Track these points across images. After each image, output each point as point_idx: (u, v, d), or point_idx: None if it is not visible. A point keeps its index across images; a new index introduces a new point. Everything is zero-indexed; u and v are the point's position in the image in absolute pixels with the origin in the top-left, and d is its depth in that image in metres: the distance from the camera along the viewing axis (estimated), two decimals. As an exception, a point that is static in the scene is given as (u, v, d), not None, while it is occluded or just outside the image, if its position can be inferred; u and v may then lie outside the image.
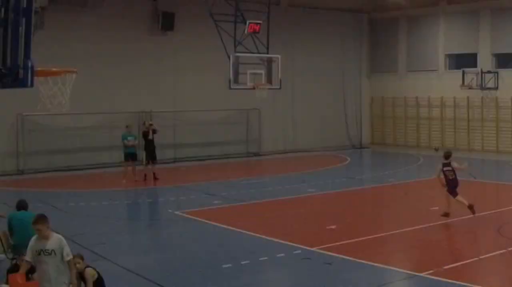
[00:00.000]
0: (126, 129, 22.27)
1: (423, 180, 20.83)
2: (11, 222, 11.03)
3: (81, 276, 8.93)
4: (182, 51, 27.82)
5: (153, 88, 27.05)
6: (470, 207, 15.07)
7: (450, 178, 15.20)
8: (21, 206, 11.25)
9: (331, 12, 32.73)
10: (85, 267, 8.98)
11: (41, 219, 8.08)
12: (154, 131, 22.30)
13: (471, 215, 15.21)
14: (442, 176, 15.28)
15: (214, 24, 21.23)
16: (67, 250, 7.99)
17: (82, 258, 9.13)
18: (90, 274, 8.92)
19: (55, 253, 7.96)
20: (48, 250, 7.96)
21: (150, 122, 22.95)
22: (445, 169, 15.21)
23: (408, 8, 32.34)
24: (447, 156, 15.43)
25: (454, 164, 15.34)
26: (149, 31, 27.34)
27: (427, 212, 16.77)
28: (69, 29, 24.74)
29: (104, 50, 25.62)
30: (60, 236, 8.10)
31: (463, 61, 31.23)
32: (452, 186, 15.24)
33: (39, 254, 7.97)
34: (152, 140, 22.27)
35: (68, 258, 7.98)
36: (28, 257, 8.12)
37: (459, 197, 15.19)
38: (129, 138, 21.90)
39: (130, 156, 21.86)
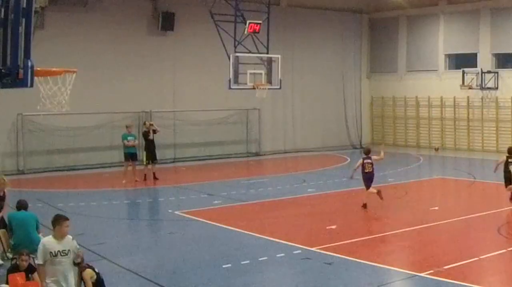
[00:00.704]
0: (126, 130, 22.26)
1: (423, 180, 20.83)
2: (11, 222, 11.04)
3: (80, 277, 8.94)
4: (182, 51, 27.82)
5: (153, 88, 27.05)
6: (378, 193, 16.88)
7: (366, 171, 16.84)
8: (21, 206, 11.26)
9: (331, 12, 32.74)
10: (85, 268, 8.97)
11: (66, 217, 8.09)
12: (154, 132, 22.31)
13: (472, 215, 15.25)
14: (358, 168, 17.07)
15: (214, 24, 21.26)
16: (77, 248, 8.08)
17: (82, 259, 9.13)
18: (89, 274, 8.91)
19: (70, 253, 7.96)
20: (65, 250, 7.91)
21: (151, 123, 22.95)
22: (365, 161, 16.86)
23: (408, 8, 32.34)
24: (367, 152, 17.27)
25: (374, 157, 17.23)
26: (149, 31, 27.34)
27: (427, 212, 16.77)
28: (69, 29, 24.75)
29: (104, 50, 25.62)
30: (70, 236, 8.11)
31: (463, 61, 31.23)
32: (366, 178, 16.91)
33: (56, 255, 7.87)
34: (152, 141, 22.26)
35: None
36: (40, 260, 7.93)
37: (371, 190, 16.96)
38: (129, 138, 21.89)
39: (130, 156, 21.85)
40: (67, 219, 8.04)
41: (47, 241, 7.95)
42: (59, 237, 7.92)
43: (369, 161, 17.02)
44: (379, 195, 17.04)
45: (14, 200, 11.75)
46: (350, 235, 14.07)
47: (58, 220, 7.98)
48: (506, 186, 17.23)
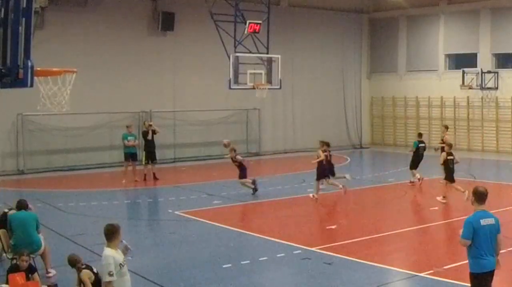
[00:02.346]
0: (127, 130, 22.27)
1: (423, 180, 20.81)
2: (11, 222, 11.04)
3: (79, 278, 8.93)
4: (182, 51, 27.82)
5: (153, 88, 27.05)
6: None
7: (324, 162, 18.32)
8: (21, 206, 11.26)
9: (331, 12, 32.74)
10: (81, 269, 8.95)
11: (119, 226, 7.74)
12: (154, 132, 22.31)
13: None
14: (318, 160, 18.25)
15: (214, 24, 21.26)
16: None
17: (78, 260, 9.13)
18: (87, 275, 8.89)
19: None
20: (124, 259, 7.62)
21: (150, 123, 22.94)
22: (325, 153, 18.43)
23: (408, 8, 32.34)
24: (328, 144, 18.96)
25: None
26: (149, 31, 27.34)
27: (427, 212, 16.78)
28: (69, 29, 24.76)
29: (104, 50, 25.63)
30: None
31: (463, 61, 31.23)
32: (323, 169, 18.25)
33: (123, 266, 7.49)
34: (151, 141, 22.27)
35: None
36: (114, 275, 7.29)
37: (318, 183, 18.27)
38: (129, 138, 21.90)
39: (130, 156, 21.86)
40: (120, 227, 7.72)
41: (112, 253, 7.41)
42: (116, 246, 7.55)
43: (327, 153, 18.58)
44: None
45: (14, 200, 11.76)
46: (350, 235, 14.07)
47: (119, 230, 7.60)
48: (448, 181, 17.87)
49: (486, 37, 29.94)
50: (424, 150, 21.25)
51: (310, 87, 32.12)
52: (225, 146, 19.87)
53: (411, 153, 21.20)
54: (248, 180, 19.22)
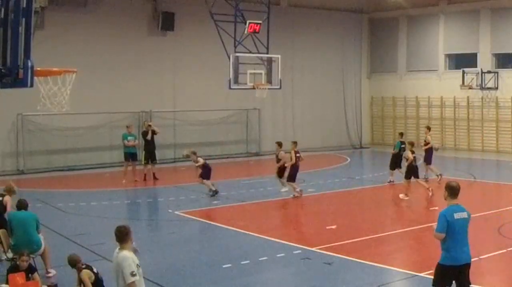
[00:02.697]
0: (127, 130, 22.28)
1: (423, 180, 20.79)
2: (11, 222, 11.03)
3: (79, 278, 8.93)
4: (182, 51, 27.82)
5: (153, 88, 27.04)
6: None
7: (298, 163, 18.90)
8: (21, 206, 11.25)
9: (331, 12, 32.74)
10: (81, 269, 8.95)
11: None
12: (154, 132, 22.32)
13: (472, 215, 15.12)
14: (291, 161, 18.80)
15: (214, 24, 21.26)
16: None
17: (78, 260, 9.13)
18: (87, 275, 8.89)
19: None
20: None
21: (149, 123, 22.95)
22: (297, 154, 18.95)
23: (408, 8, 32.34)
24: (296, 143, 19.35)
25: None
26: (149, 31, 27.34)
27: (427, 212, 16.78)
28: (69, 29, 24.75)
29: (104, 50, 25.62)
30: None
31: (463, 61, 31.23)
32: (294, 171, 18.76)
33: (139, 266, 7.35)
34: (151, 141, 22.28)
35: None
36: (137, 274, 7.15)
37: (283, 180, 19.14)
38: (129, 138, 21.91)
39: (130, 156, 21.87)
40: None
41: (129, 254, 7.30)
42: (130, 248, 7.45)
43: (299, 155, 19.03)
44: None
45: (14, 200, 11.75)
46: (350, 235, 14.07)
47: (130, 231, 7.58)
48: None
49: (486, 37, 29.94)
50: (404, 149, 21.21)
51: (310, 87, 32.11)
52: (188, 156, 19.82)
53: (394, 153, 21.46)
54: (209, 183, 19.06)
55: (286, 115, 31.83)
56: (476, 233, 14.45)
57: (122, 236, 7.43)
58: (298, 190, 18.79)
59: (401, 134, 23.04)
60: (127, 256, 7.21)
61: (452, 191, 8.40)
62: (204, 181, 19.16)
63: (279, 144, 19.87)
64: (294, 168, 18.89)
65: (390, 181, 21.21)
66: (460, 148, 31.08)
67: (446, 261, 8.36)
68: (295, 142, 19.44)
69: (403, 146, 21.09)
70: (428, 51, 32.38)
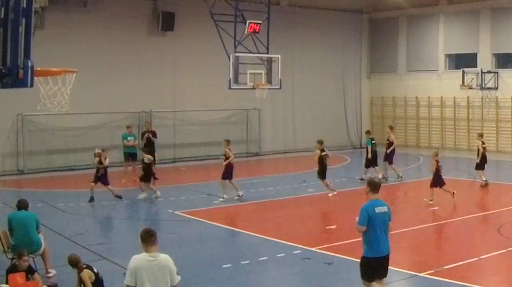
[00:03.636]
0: (127, 130, 22.30)
1: (423, 180, 20.80)
2: (11, 222, 11.02)
3: (79, 278, 8.92)
4: (182, 51, 27.82)
5: (153, 88, 27.04)
6: None
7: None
8: (21, 205, 11.25)
9: (331, 12, 32.73)
10: (82, 269, 8.95)
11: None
12: (154, 135, 22.51)
13: (472, 215, 15.28)
14: None
15: (214, 24, 21.26)
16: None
17: (78, 260, 9.12)
18: (87, 275, 8.89)
19: None
20: None
21: (150, 130, 23.09)
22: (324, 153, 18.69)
23: (408, 8, 32.34)
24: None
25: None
26: (149, 31, 27.34)
27: (427, 212, 16.78)
28: (69, 29, 24.75)
29: (104, 50, 25.62)
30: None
31: (463, 61, 31.23)
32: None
33: None
34: (150, 141, 22.38)
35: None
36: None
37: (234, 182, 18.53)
38: (129, 138, 21.97)
39: (130, 156, 21.90)
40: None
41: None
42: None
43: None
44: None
45: (14, 200, 11.75)
46: (350, 235, 14.03)
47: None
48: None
49: (486, 37, 29.93)
50: (376, 146, 21.96)
51: (310, 87, 32.11)
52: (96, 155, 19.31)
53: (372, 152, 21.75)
54: (114, 189, 18.87)
55: (286, 115, 31.83)
56: (476, 233, 14.49)
57: (153, 236, 7.19)
58: (240, 193, 18.69)
59: (368, 131, 23.41)
60: (168, 257, 7.14)
61: (373, 186, 8.89)
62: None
63: (320, 142, 19.55)
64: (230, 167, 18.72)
65: (364, 179, 21.26)
66: (460, 148, 31.07)
67: (369, 254, 8.80)
68: (227, 141, 19.34)
69: (374, 142, 21.79)
70: (428, 51, 32.38)
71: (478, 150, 21.14)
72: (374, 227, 8.71)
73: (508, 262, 12.03)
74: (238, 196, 18.51)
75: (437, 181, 17.84)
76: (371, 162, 21.58)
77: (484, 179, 20.94)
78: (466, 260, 11.72)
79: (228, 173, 18.56)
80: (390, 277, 11.13)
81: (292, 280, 11.23)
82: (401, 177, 21.82)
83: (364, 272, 8.91)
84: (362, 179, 21.33)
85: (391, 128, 23.46)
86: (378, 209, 8.74)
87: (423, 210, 17.10)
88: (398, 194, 19.67)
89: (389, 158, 21.98)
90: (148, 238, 7.08)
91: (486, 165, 20.90)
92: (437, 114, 32.06)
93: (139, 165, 22.51)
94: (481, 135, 22.07)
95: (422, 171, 22.21)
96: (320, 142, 19.45)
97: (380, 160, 22.05)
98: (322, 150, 19.18)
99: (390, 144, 21.93)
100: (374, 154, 21.65)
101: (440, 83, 31.76)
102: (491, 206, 17.21)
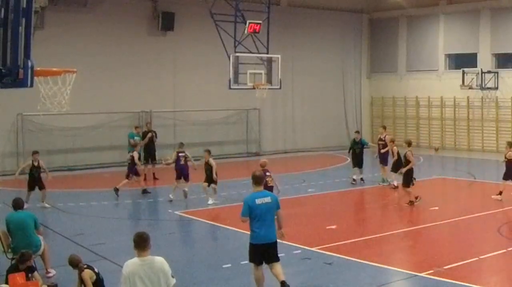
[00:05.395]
0: (135, 130, 22.51)
1: (423, 180, 20.81)
2: (8, 224, 10.92)
3: (80, 278, 8.92)
4: (182, 51, 27.82)
5: (153, 88, 27.04)
6: None
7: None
8: (17, 205, 11.19)
9: (331, 12, 32.74)
10: (83, 269, 8.95)
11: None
12: (154, 135, 22.58)
13: (472, 215, 15.29)
14: None
15: (214, 24, 21.26)
16: None
17: (79, 260, 9.11)
18: (88, 275, 8.89)
19: None
20: None
21: (150, 128, 23.11)
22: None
23: (408, 8, 32.34)
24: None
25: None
26: (149, 31, 27.34)
27: (427, 212, 16.77)
28: (69, 29, 24.75)
29: (104, 50, 25.63)
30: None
31: (463, 61, 31.23)
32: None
33: None
34: (151, 141, 22.40)
35: None
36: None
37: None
38: (136, 138, 22.05)
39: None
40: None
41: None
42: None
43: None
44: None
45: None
46: (350, 235, 14.06)
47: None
48: None
49: (486, 37, 29.94)
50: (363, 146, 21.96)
51: (310, 87, 32.10)
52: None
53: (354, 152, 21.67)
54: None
55: (286, 115, 31.83)
56: (476, 233, 14.48)
57: (147, 240, 7.13)
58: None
59: (357, 132, 23.42)
60: (163, 260, 7.11)
61: (256, 179, 9.71)
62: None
63: (408, 143, 19.04)
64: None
65: (355, 180, 21.20)
66: (460, 148, 31.08)
67: (253, 240, 9.66)
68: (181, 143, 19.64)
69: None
70: (428, 51, 32.38)
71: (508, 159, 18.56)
72: (257, 217, 9.47)
73: (508, 262, 12.03)
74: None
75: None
76: (357, 163, 21.32)
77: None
78: (466, 260, 11.72)
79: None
80: (390, 277, 11.16)
81: (292, 280, 11.20)
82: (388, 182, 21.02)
83: (251, 257, 9.80)
84: (355, 181, 21.22)
85: (384, 128, 23.28)
86: (259, 200, 9.50)
87: (423, 210, 17.09)
88: (397, 194, 19.64)
89: (384, 159, 21.22)
90: (141, 243, 7.03)
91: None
92: (437, 114, 32.07)
93: (140, 165, 22.56)
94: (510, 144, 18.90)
95: (422, 171, 22.17)
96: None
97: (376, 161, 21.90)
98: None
99: (384, 144, 21.42)
100: (359, 154, 21.34)
101: (440, 83, 31.77)
102: (491, 206, 17.19)
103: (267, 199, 9.61)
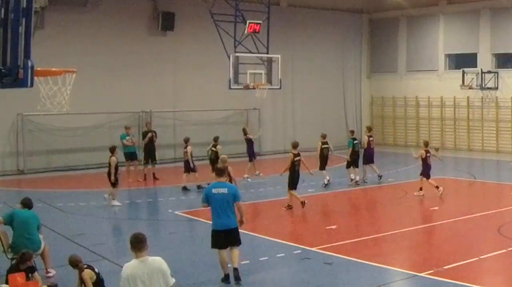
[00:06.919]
0: (126, 131, 22.39)
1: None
2: (13, 217, 10.95)
3: (80, 278, 8.92)
4: (182, 51, 27.81)
5: (153, 88, 27.03)
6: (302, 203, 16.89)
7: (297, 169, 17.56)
8: (26, 204, 11.23)
9: (331, 12, 32.73)
10: (83, 268, 8.95)
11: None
12: (154, 135, 22.59)
13: (472, 215, 15.27)
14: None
15: (214, 24, 21.27)
16: None
17: (79, 260, 9.11)
18: (88, 275, 8.89)
19: None
20: None
21: (150, 128, 23.10)
22: (296, 158, 17.60)
23: (408, 8, 32.34)
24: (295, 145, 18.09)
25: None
26: (149, 31, 27.33)
27: (427, 212, 16.78)
28: (69, 29, 24.75)
29: (104, 50, 25.61)
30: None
31: (463, 61, 31.23)
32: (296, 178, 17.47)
33: None
34: (151, 141, 22.39)
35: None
36: None
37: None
38: (127, 138, 22.05)
39: (130, 156, 21.99)
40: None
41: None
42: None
43: (299, 158, 17.69)
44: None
45: (14, 200, 11.75)
46: (350, 235, 14.07)
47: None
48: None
49: (486, 37, 29.94)
50: (359, 147, 21.93)
51: (310, 87, 32.09)
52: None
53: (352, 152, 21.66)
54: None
55: (286, 115, 31.82)
56: (476, 233, 14.48)
57: (144, 241, 6.99)
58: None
59: (352, 132, 23.30)
60: (162, 259, 7.05)
61: (218, 172, 10.89)
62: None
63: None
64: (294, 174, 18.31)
65: (354, 179, 21.18)
66: (460, 148, 31.08)
67: (213, 227, 10.62)
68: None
69: (356, 142, 21.70)
70: (428, 51, 32.37)
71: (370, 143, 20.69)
72: (214, 205, 10.43)
73: (508, 262, 12.03)
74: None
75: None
76: (351, 163, 21.34)
77: (379, 174, 21.39)
78: (466, 260, 11.72)
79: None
80: (390, 277, 11.16)
81: (292, 280, 11.23)
82: (380, 177, 21.48)
83: (212, 242, 10.67)
84: (355, 180, 21.22)
85: (369, 129, 23.15)
86: (216, 190, 10.44)
87: (423, 210, 17.09)
88: (398, 194, 19.64)
89: (369, 158, 21.62)
90: (137, 244, 6.93)
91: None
92: (437, 114, 32.07)
93: (139, 165, 22.56)
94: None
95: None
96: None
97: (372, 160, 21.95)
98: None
99: (369, 144, 21.68)
100: (356, 154, 21.34)
101: (440, 83, 31.76)
102: (491, 206, 17.20)
103: (223, 190, 10.45)
